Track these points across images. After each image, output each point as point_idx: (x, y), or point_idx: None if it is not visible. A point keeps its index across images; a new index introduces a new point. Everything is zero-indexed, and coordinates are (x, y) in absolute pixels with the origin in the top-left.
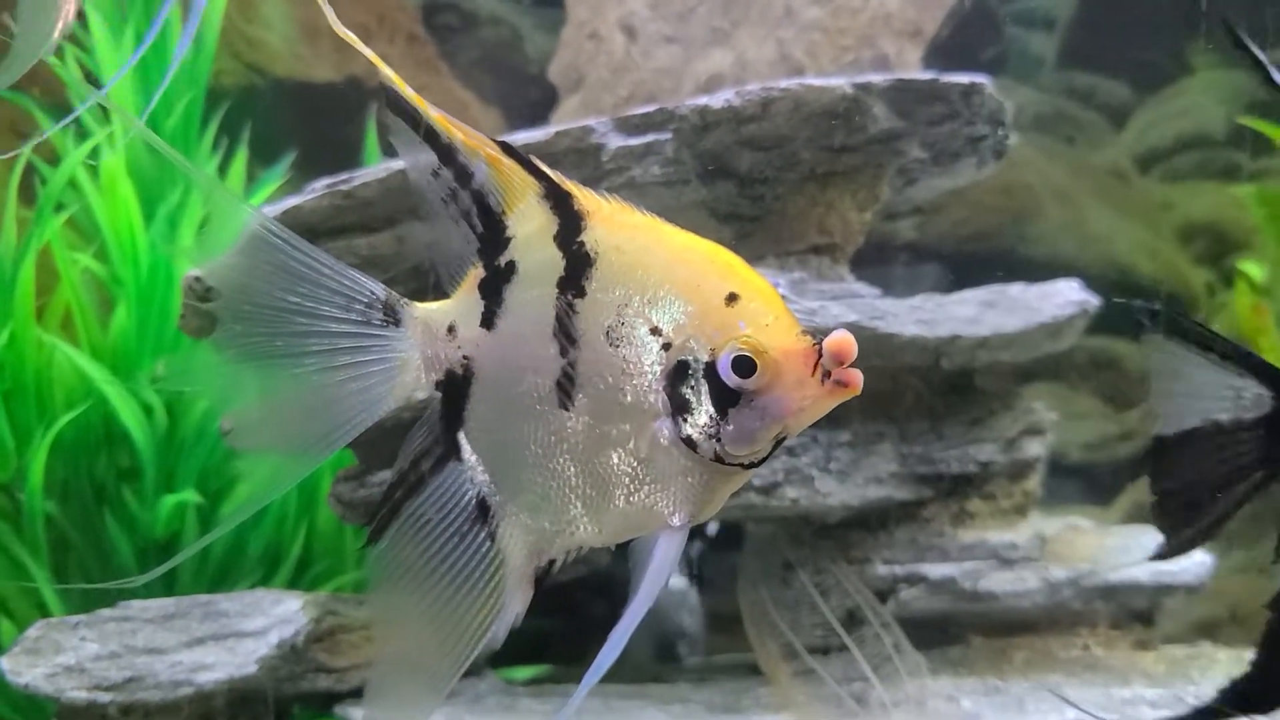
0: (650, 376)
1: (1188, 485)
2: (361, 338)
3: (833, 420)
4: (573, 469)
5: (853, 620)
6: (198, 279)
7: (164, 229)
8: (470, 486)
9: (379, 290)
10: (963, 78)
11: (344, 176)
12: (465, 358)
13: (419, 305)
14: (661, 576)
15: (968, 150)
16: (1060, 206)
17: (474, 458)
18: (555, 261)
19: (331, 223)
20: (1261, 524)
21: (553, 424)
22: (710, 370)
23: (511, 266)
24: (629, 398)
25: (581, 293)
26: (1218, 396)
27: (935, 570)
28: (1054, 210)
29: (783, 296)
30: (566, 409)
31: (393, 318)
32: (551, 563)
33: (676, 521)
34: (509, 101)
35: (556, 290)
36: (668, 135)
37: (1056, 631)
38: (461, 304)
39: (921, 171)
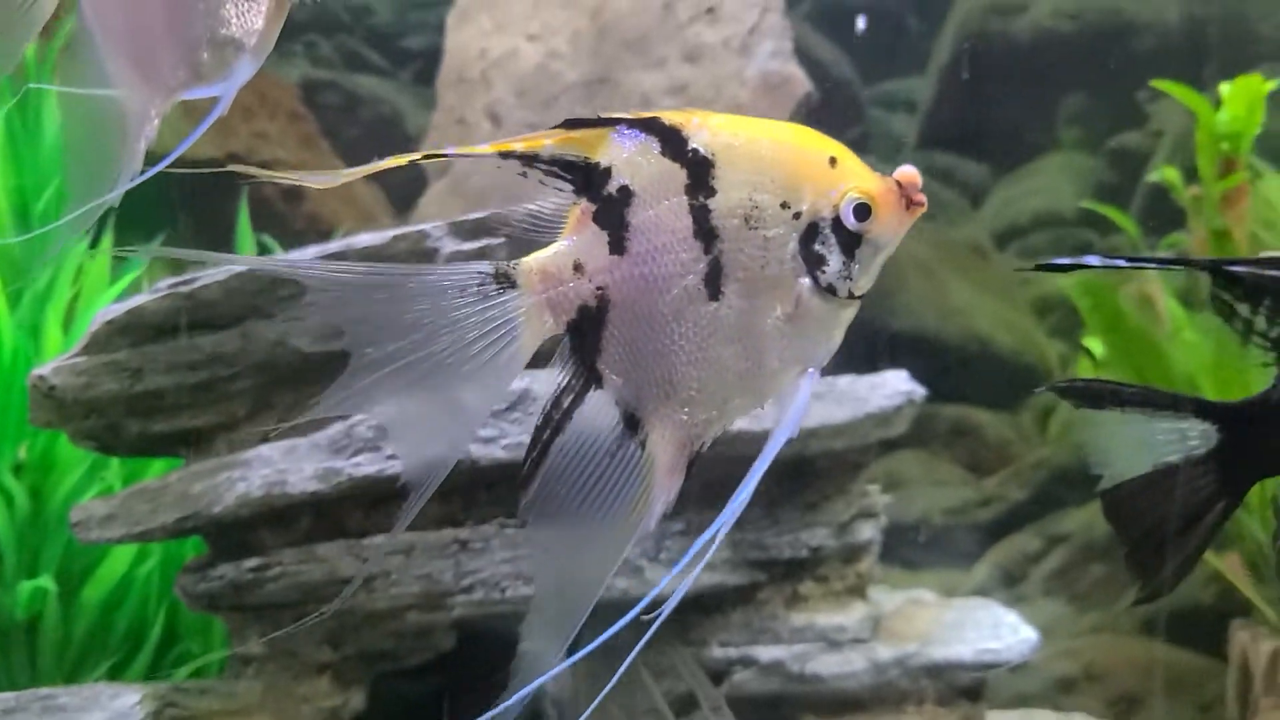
0: (790, 244)
1: (1155, 528)
2: (484, 311)
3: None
4: (728, 351)
5: (691, 703)
6: (41, 377)
7: (28, 313)
8: (615, 406)
9: (485, 267)
10: None
11: (187, 276)
12: (599, 288)
13: (532, 258)
14: (802, 412)
15: None
16: (923, 280)
17: (616, 380)
18: (674, 172)
19: (175, 321)
20: (1114, 587)
21: (704, 318)
22: (836, 223)
23: (626, 191)
24: (774, 269)
25: (712, 192)
26: (1164, 442)
27: (766, 653)
28: (917, 284)
29: None
30: (716, 300)
31: (507, 281)
32: (702, 445)
33: (821, 363)
34: (389, 180)
35: (686, 197)
36: (500, 240)
37: (884, 709)
38: (580, 240)
39: None
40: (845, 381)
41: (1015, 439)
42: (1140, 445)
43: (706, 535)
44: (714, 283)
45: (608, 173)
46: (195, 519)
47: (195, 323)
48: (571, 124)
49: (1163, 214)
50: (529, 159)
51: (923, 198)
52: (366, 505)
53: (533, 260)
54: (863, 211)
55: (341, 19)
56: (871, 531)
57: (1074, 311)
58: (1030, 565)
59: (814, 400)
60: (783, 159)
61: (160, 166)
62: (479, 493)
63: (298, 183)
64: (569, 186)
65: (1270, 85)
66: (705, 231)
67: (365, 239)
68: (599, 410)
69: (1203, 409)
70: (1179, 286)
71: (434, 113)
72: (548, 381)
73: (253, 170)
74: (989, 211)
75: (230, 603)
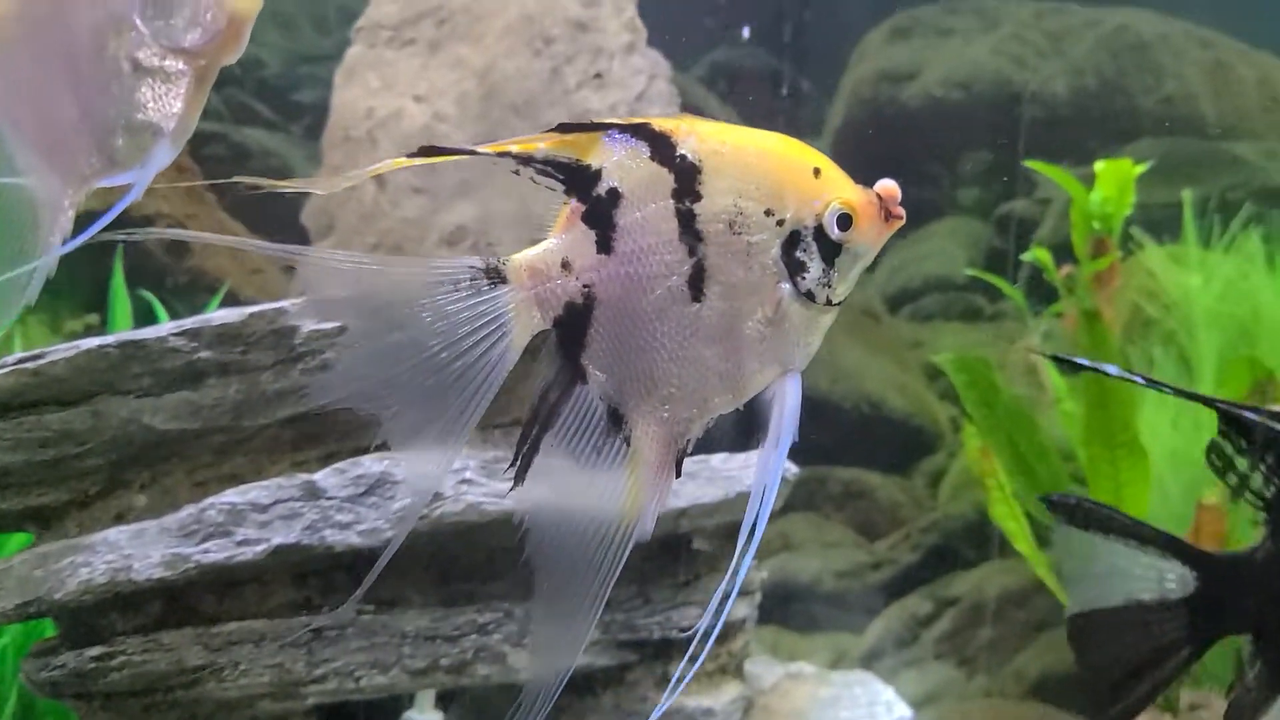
0: (772, 250)
1: (1115, 662)
2: (474, 306)
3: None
4: (709, 351)
5: None
6: None
7: None
8: (600, 402)
9: (477, 261)
10: None
11: (35, 353)
12: (586, 286)
13: (520, 255)
14: (796, 413)
15: None
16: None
17: (600, 375)
18: (662, 176)
19: (21, 399)
20: (1002, 652)
21: (686, 319)
22: (818, 232)
23: (614, 192)
24: (756, 273)
25: (698, 197)
26: (1141, 578)
27: None
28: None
29: (469, 480)
30: (699, 301)
31: (496, 277)
32: (688, 442)
33: (800, 364)
34: (277, 235)
35: (673, 200)
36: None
37: None
38: (568, 239)
39: None
40: (718, 460)
41: (907, 502)
42: (1117, 575)
43: (731, 572)
44: (697, 284)
45: (598, 175)
46: (39, 604)
47: (43, 400)
48: (565, 128)
49: (1048, 282)
50: (523, 159)
51: (901, 211)
52: (220, 590)
53: (522, 257)
54: (845, 221)
55: (232, 71)
56: (746, 609)
57: None
58: (921, 628)
59: (686, 479)
60: (768, 167)
61: (69, 247)
62: (337, 576)
63: (298, 189)
64: (560, 186)
65: (1139, 169)
66: (690, 235)
67: (220, 315)
68: (585, 405)
69: (1185, 554)
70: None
71: (318, 171)
72: (410, 466)
73: (260, 181)
74: (881, 275)
75: (75, 690)
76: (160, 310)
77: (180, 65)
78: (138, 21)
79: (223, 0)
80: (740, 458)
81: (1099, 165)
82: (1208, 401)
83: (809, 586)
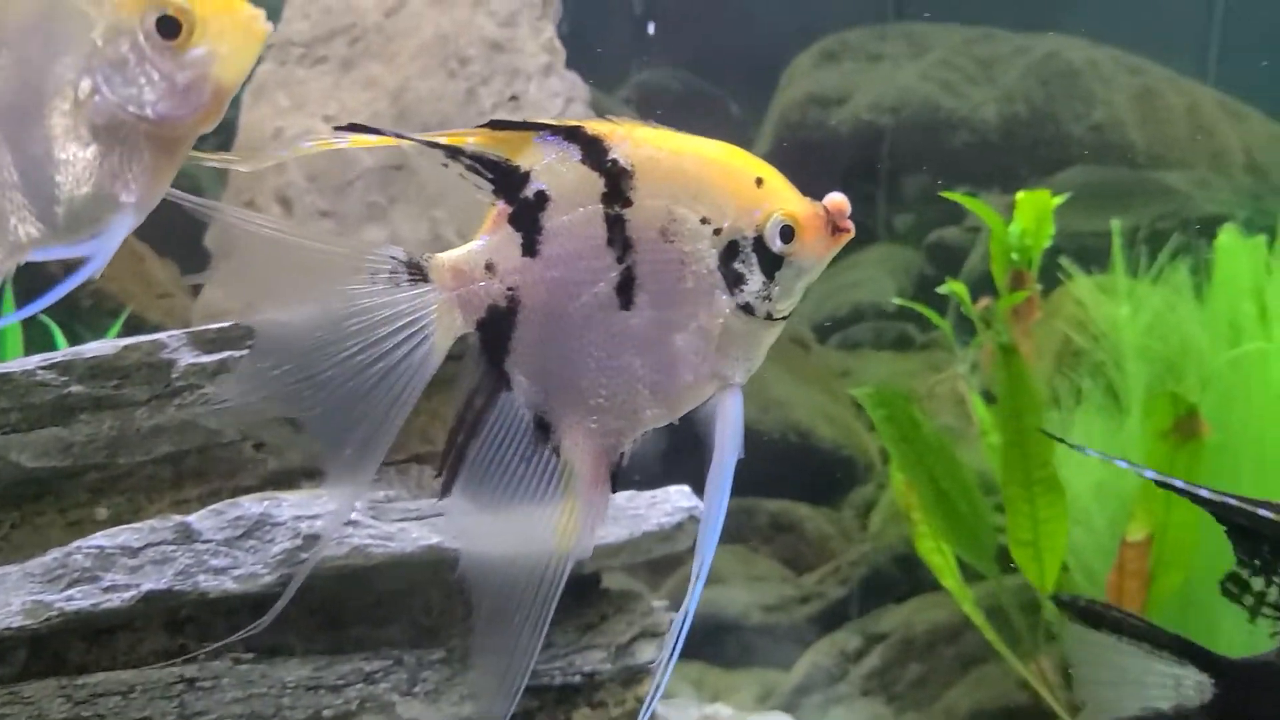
0: (707, 260)
1: None
2: (394, 304)
3: (429, 634)
4: (639, 361)
5: None
6: None
7: None
8: (526, 410)
9: (399, 253)
10: None
11: None
12: (510, 289)
13: (443, 255)
14: (739, 428)
15: None
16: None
17: (525, 382)
18: (592, 180)
19: None
20: (932, 688)
21: (615, 326)
22: (758, 243)
23: (542, 195)
24: (690, 283)
25: (628, 202)
26: (1156, 685)
27: None
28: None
29: (355, 522)
30: (628, 309)
31: (418, 274)
32: (622, 455)
33: (740, 379)
34: (181, 256)
35: (602, 205)
36: (243, 352)
37: None
38: (493, 240)
39: None
40: (623, 498)
41: (836, 534)
42: (1132, 682)
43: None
44: (626, 292)
45: (526, 176)
46: None
47: None
48: (496, 124)
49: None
50: (453, 152)
51: (850, 224)
52: (88, 638)
53: (445, 256)
54: (787, 233)
55: None
56: (655, 652)
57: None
58: (849, 664)
59: None
60: (706, 174)
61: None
62: (216, 622)
63: (222, 164)
64: (489, 185)
65: (1058, 200)
66: (619, 241)
67: (93, 348)
68: (510, 412)
69: (1204, 660)
70: (985, 384)
71: (222, 192)
72: (291, 507)
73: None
74: (810, 303)
75: None
76: (59, 336)
77: (148, 134)
78: (102, 85)
79: (206, 71)
80: (646, 496)
81: (1019, 196)
82: (1246, 516)
83: (736, 621)
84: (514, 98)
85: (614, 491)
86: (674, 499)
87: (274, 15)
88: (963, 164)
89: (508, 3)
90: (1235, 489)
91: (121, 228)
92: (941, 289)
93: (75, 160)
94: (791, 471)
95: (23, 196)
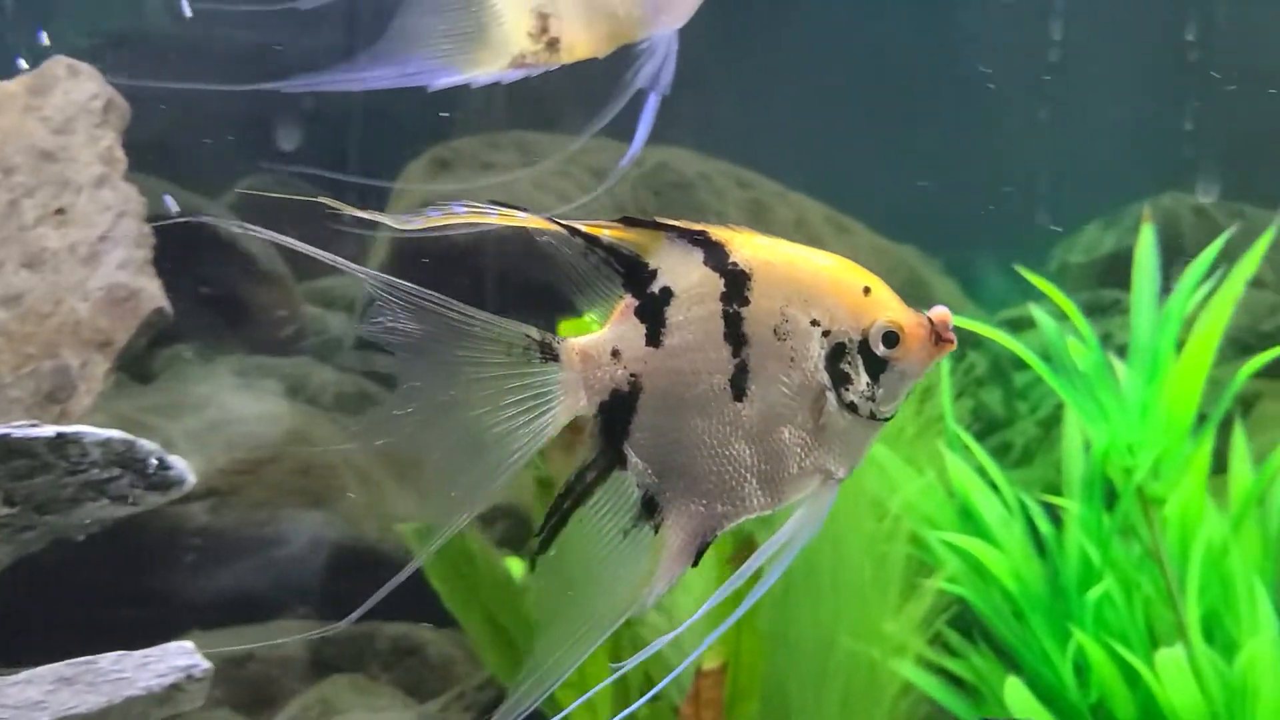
0: (815, 359)
1: None
2: (524, 376)
3: None
4: (749, 451)
5: None
6: None
7: None
8: (637, 489)
9: (534, 333)
10: (49, 430)
11: None
12: (633, 375)
13: (575, 339)
14: (823, 515)
15: (91, 495)
16: (364, 489)
17: (640, 463)
18: (713, 281)
19: None
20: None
21: (728, 416)
22: (864, 346)
23: (667, 291)
24: (798, 379)
25: (745, 302)
26: None
27: None
28: (357, 492)
29: None
30: (740, 400)
31: (550, 354)
32: (714, 536)
33: (842, 474)
34: None
35: (721, 304)
36: None
37: None
38: (620, 330)
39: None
40: (110, 660)
41: (460, 658)
42: None
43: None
44: (740, 384)
45: (654, 274)
46: None
47: None
48: (629, 221)
49: None
50: (592, 241)
51: (952, 336)
52: None
53: (576, 341)
54: (890, 339)
55: None
56: None
57: (521, 520)
58: None
59: (60, 684)
60: (818, 281)
61: None
62: None
63: None
64: (619, 279)
65: None
66: (735, 336)
67: None
68: (622, 489)
69: None
70: None
71: None
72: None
73: None
74: None
75: None
76: None
77: None
78: None
79: None
80: (138, 655)
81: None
82: None
83: None
84: (60, 211)
85: (695, 565)
86: (171, 657)
87: None
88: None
89: (64, 108)
90: None
91: None
92: None
93: None
94: (412, 592)
95: None
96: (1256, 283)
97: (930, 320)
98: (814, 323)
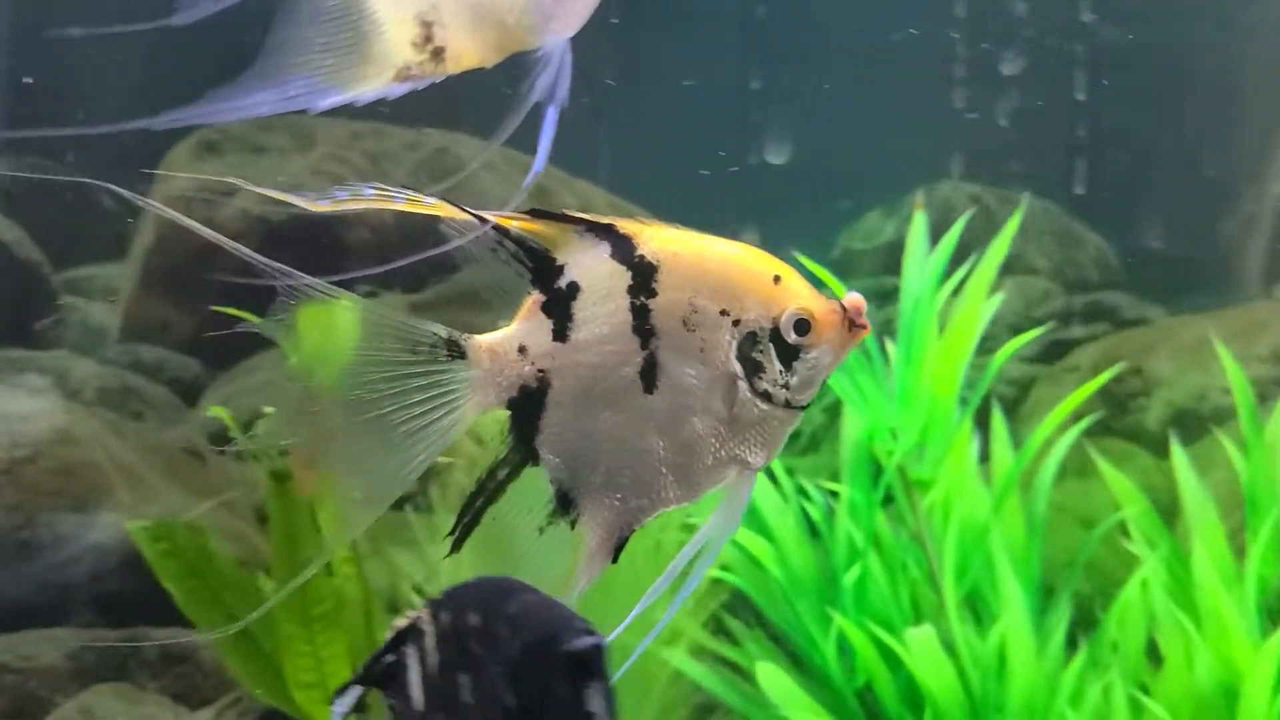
0: (726, 349)
1: None
2: (431, 374)
3: None
4: (662, 443)
5: None
6: None
7: None
8: (550, 485)
9: (441, 330)
10: None
11: None
12: (540, 371)
13: (481, 336)
14: (741, 506)
15: None
16: (131, 488)
17: (553, 459)
18: (620, 274)
19: None
20: None
21: (639, 409)
22: (775, 334)
23: (574, 286)
24: (709, 370)
25: (653, 294)
26: None
27: None
28: (124, 492)
29: None
30: (651, 393)
31: (457, 351)
32: (631, 531)
33: (758, 464)
34: None
35: (629, 296)
36: None
37: None
38: (527, 326)
39: None
40: None
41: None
42: None
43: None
44: (650, 376)
45: (560, 269)
46: None
47: None
48: (536, 214)
49: None
50: (503, 232)
51: (866, 323)
52: None
53: (482, 338)
54: (802, 326)
55: None
56: None
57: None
58: None
59: None
60: (727, 270)
61: None
62: None
63: None
64: (528, 275)
65: None
66: (645, 328)
67: None
68: (534, 486)
69: None
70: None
71: None
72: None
73: None
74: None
75: None
76: None
77: None
78: None
79: None
80: None
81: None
82: None
83: None
84: None
85: (613, 563)
86: None
87: None
88: (363, 262)
89: None
90: None
91: None
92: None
93: None
94: None
95: None
96: (1030, 269)
97: (843, 306)
98: (724, 312)
